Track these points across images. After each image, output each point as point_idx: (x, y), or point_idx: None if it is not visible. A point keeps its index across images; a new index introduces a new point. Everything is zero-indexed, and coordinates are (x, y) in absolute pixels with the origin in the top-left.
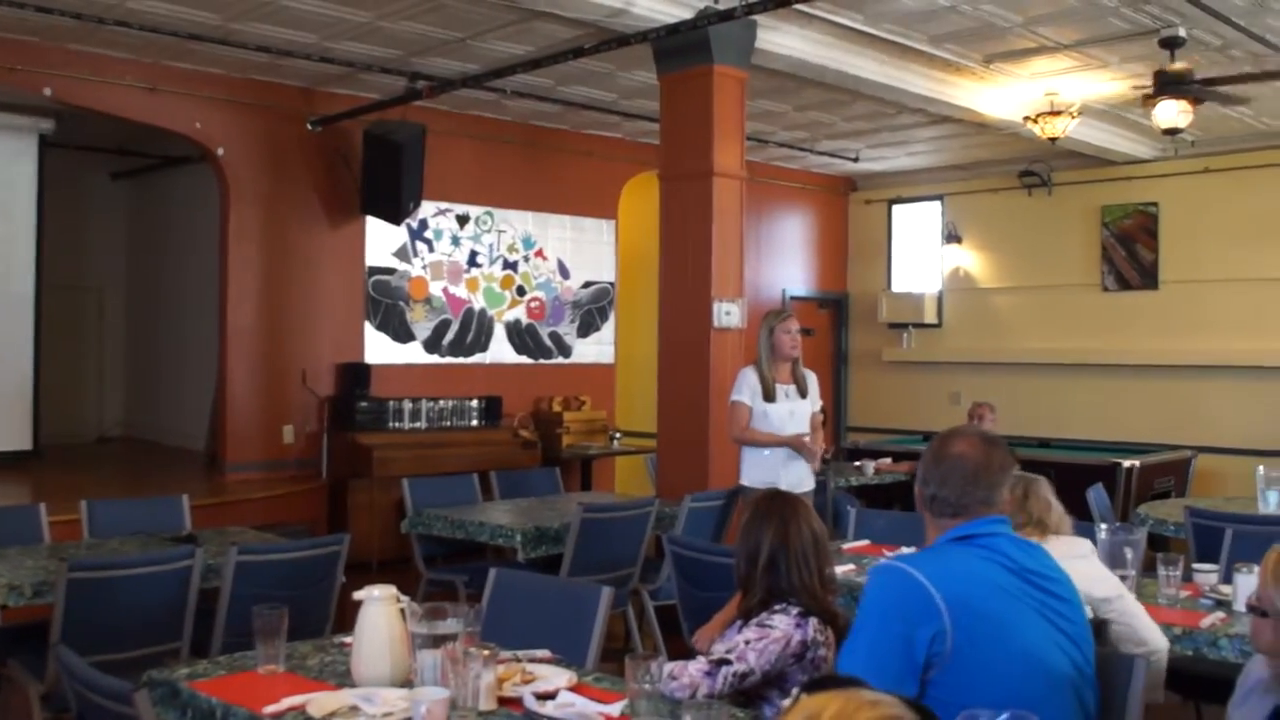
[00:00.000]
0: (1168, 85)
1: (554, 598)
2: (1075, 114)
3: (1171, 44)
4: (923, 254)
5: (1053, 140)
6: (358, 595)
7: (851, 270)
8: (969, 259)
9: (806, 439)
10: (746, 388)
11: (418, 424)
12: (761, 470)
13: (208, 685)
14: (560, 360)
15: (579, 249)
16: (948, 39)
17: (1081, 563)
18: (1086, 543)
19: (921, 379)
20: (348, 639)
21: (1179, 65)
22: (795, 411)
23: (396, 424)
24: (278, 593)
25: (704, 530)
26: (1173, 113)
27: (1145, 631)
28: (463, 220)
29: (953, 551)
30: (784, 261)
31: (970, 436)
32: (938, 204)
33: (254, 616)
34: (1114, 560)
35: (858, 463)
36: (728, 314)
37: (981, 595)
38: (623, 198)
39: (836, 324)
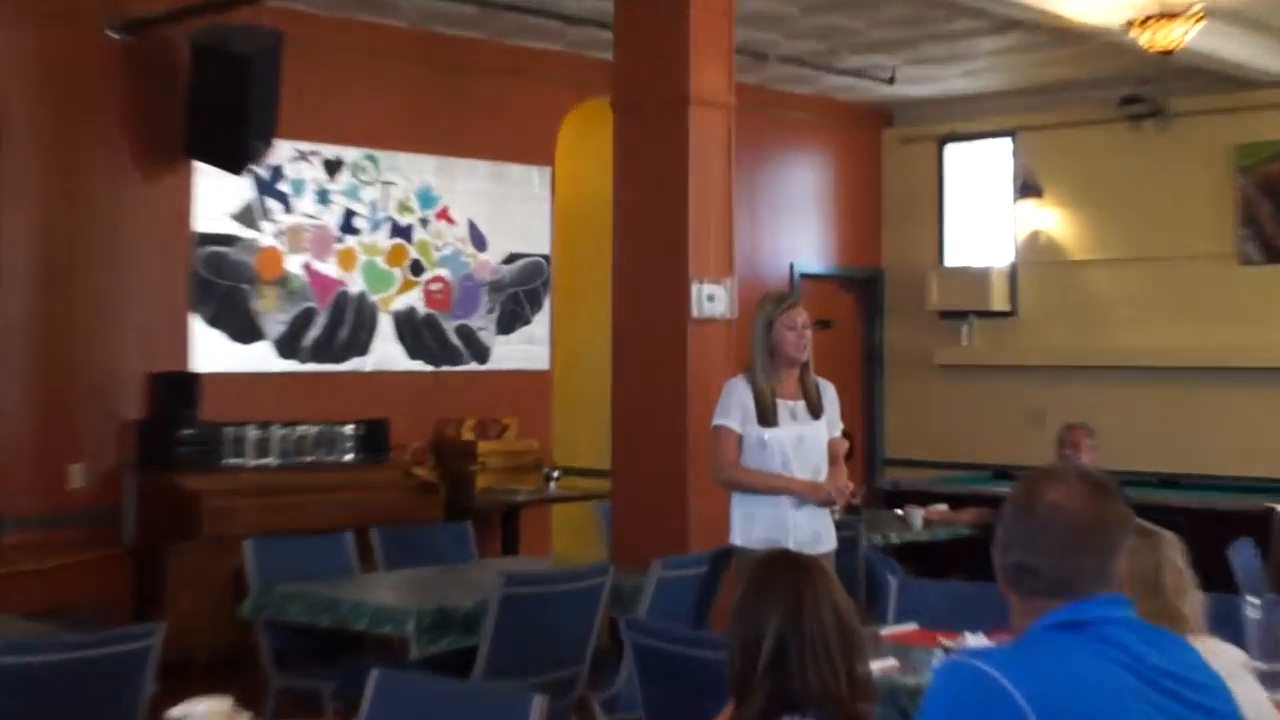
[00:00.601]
0: None
1: (463, 711)
2: (1198, 17)
3: None
4: (988, 214)
5: (1166, 54)
6: (175, 713)
7: (888, 237)
8: (1052, 220)
9: (823, 478)
10: (735, 406)
11: (267, 459)
12: (761, 524)
13: None
14: (473, 367)
15: (500, 208)
16: None
17: (1232, 686)
18: (1237, 654)
19: (989, 390)
20: None
21: None
22: (806, 438)
23: (236, 460)
24: (53, 709)
25: (680, 610)
26: None
27: None
28: (333, 167)
29: (1051, 645)
30: (791, 225)
31: (1070, 479)
32: (1008, 143)
33: None
34: (1267, 649)
35: (899, 510)
36: (711, 300)
37: (1094, 709)
38: (562, 136)
39: (867, 313)
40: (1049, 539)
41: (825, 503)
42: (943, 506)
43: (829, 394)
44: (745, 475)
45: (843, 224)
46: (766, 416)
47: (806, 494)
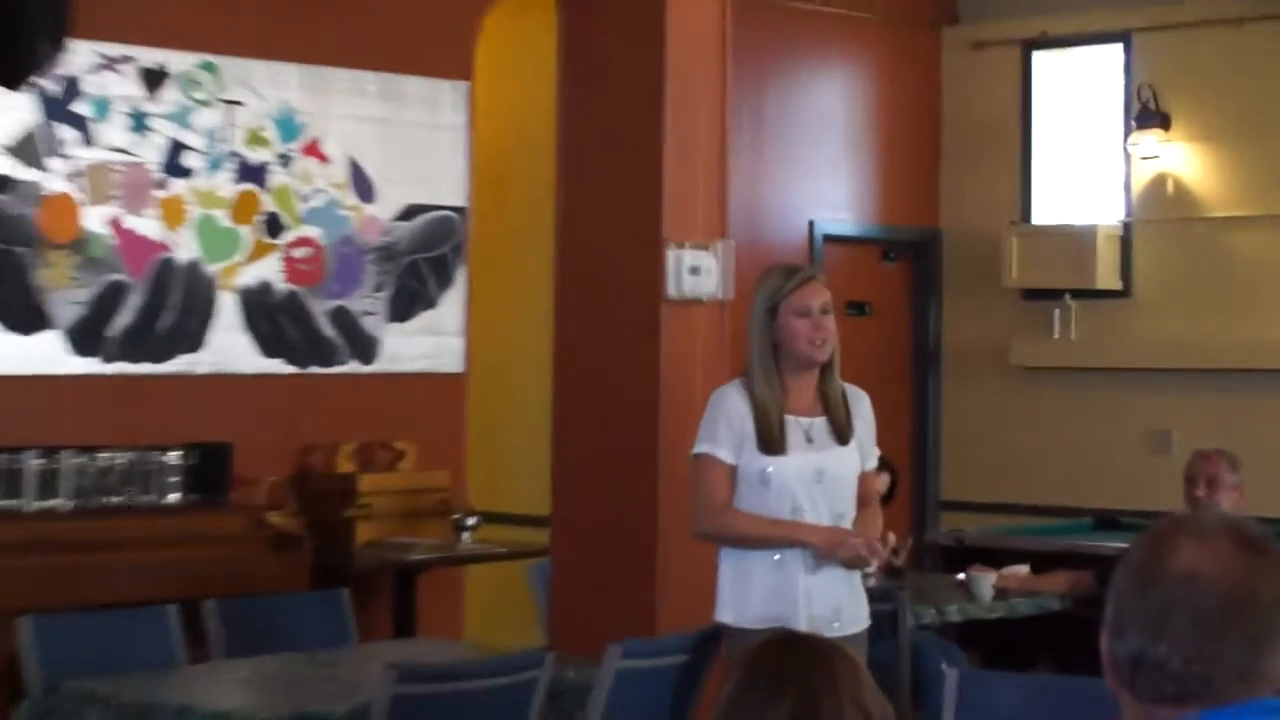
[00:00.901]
0: None
1: None
2: None
3: None
4: (1092, 150)
5: None
6: None
7: (948, 185)
8: (1183, 160)
9: (850, 528)
10: (726, 427)
11: (53, 501)
12: (761, 593)
13: None
14: (354, 368)
15: (394, 141)
16: None
17: None
18: None
19: (1089, 402)
20: None
21: None
22: (828, 472)
23: (7, 502)
24: None
25: (648, 717)
26: None
27: None
28: (154, 80)
29: None
30: (812, 168)
31: (1210, 535)
32: (1118, 51)
33: None
34: None
35: (961, 575)
36: (695, 273)
37: None
38: (485, 40)
39: (917, 293)
40: (1180, 621)
41: (854, 563)
42: (1023, 569)
43: (861, 408)
44: (738, 523)
45: (885, 166)
46: (771, 441)
47: (825, 548)
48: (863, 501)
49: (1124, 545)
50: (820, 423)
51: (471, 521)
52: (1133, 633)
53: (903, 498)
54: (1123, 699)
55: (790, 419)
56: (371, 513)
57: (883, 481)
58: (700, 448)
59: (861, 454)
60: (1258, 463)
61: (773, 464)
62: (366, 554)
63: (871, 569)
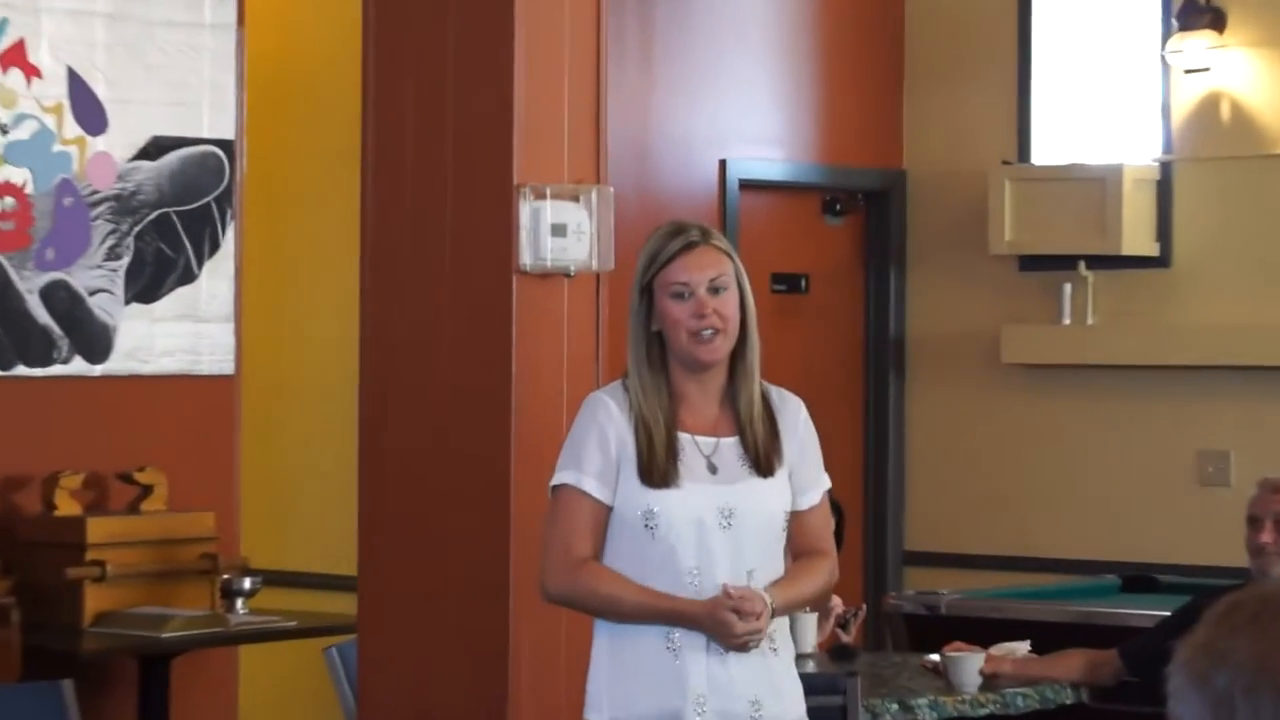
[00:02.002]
0: None
1: None
2: None
3: None
4: (1116, 61)
5: None
6: None
7: (914, 111)
8: (1243, 72)
9: (759, 590)
10: (595, 448)
11: None
12: (644, 682)
13: None
14: (79, 368)
15: (133, 47)
16: None
17: None
18: None
19: (1115, 412)
20: None
21: None
22: (740, 510)
23: None
24: None
25: None
26: None
27: None
28: None
29: None
30: (722, 89)
31: None
32: None
33: None
34: None
35: (935, 656)
36: (559, 231)
37: None
38: None
39: (872, 260)
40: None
41: (737, 642)
42: (1021, 647)
43: (793, 421)
44: (602, 584)
45: (826, 86)
46: (655, 469)
47: (709, 625)
48: (802, 551)
49: (1164, 613)
50: (729, 445)
51: (247, 584)
52: None
53: (853, 546)
54: None
55: (686, 439)
56: (106, 573)
57: (822, 525)
58: (560, 476)
59: (794, 485)
60: None
61: (660, 502)
62: (100, 631)
63: (848, 637)
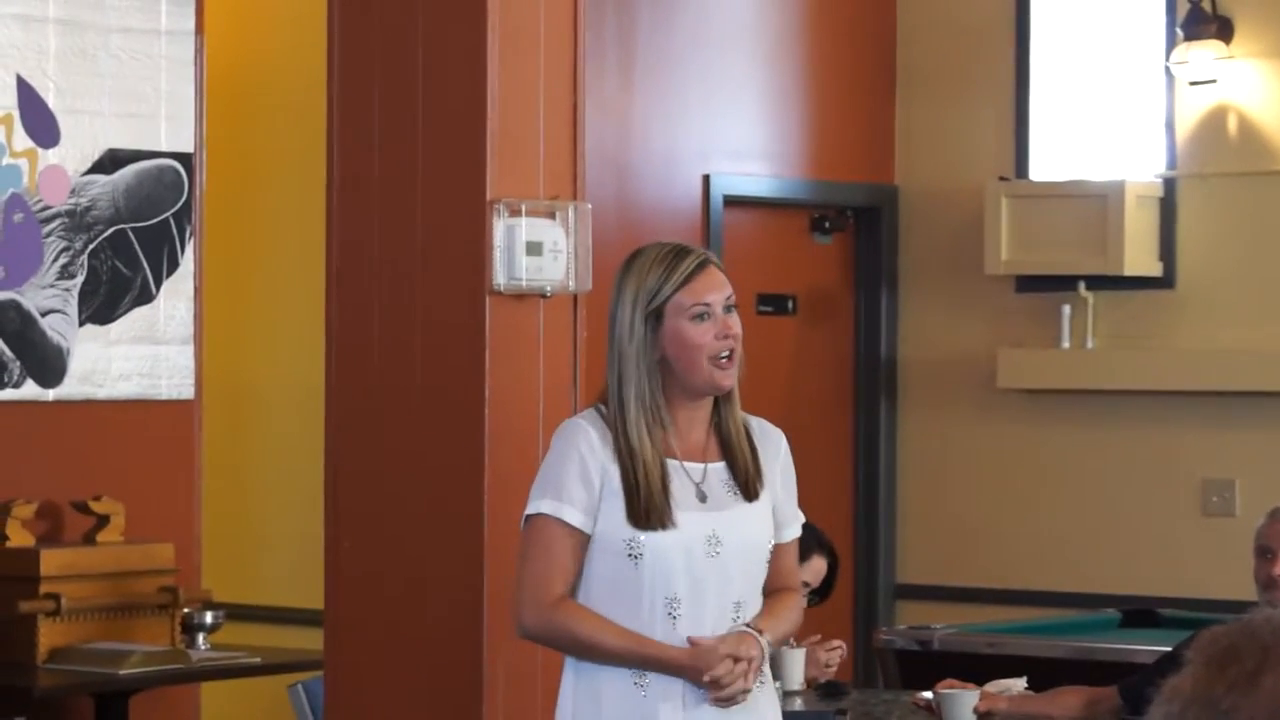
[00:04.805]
0: None
1: None
2: None
3: None
4: (1118, 73)
5: None
6: None
7: (907, 125)
8: (1251, 85)
9: (748, 626)
10: (575, 476)
11: None
12: None
13: None
14: (29, 393)
15: (87, 55)
16: None
17: None
18: None
19: (1115, 439)
20: None
21: None
22: (729, 542)
23: None
24: None
25: None
26: None
27: None
28: None
29: None
30: (706, 101)
31: None
32: None
33: None
34: None
35: (928, 693)
36: (535, 250)
37: None
38: None
39: (863, 280)
40: None
41: (723, 694)
42: (1018, 684)
43: (775, 451)
44: (579, 624)
45: (815, 98)
46: (654, 509)
47: (694, 676)
48: (774, 588)
49: (1165, 649)
50: (717, 470)
51: (209, 619)
52: None
53: (842, 579)
54: None
55: (675, 465)
56: (61, 607)
57: (815, 570)
58: (536, 505)
59: (777, 516)
60: None
61: (649, 535)
62: (55, 668)
63: (799, 684)
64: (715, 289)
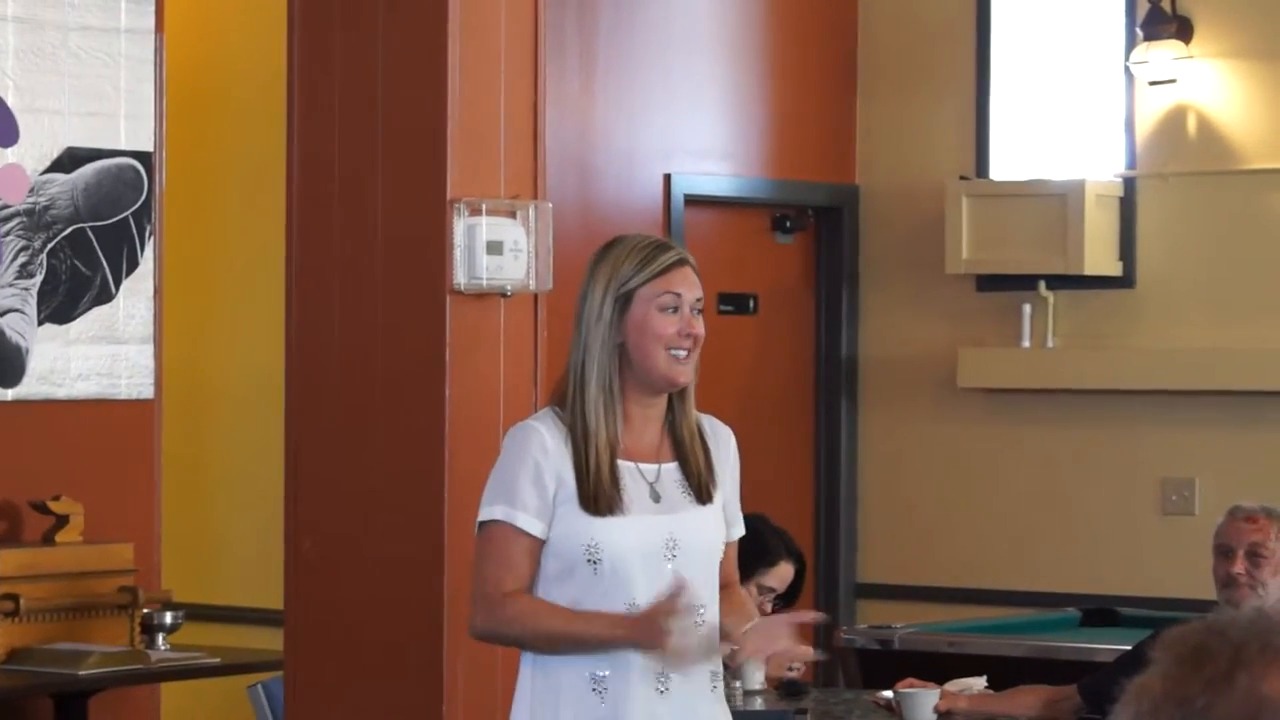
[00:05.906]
0: None
1: None
2: None
3: None
4: (1078, 73)
5: None
6: None
7: (868, 124)
8: (1210, 85)
9: (716, 625)
10: (529, 480)
11: None
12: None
13: None
14: None
15: (45, 53)
16: None
17: None
18: None
19: (1075, 439)
20: None
21: None
22: (683, 544)
23: None
24: None
25: None
26: None
27: None
28: None
29: None
30: (667, 100)
31: (1272, 650)
32: None
33: None
34: None
35: (888, 692)
36: (496, 249)
37: None
38: None
39: (824, 279)
40: None
41: (668, 656)
42: (978, 683)
43: (725, 452)
44: (526, 614)
45: (776, 97)
46: (602, 493)
47: (645, 640)
48: (720, 583)
49: (1125, 647)
50: (670, 470)
51: (169, 619)
52: None
53: (810, 582)
54: None
55: (628, 466)
56: (19, 607)
57: (782, 576)
58: (489, 512)
59: (726, 514)
60: None
61: (604, 532)
62: (13, 669)
63: (797, 670)
64: (688, 287)
